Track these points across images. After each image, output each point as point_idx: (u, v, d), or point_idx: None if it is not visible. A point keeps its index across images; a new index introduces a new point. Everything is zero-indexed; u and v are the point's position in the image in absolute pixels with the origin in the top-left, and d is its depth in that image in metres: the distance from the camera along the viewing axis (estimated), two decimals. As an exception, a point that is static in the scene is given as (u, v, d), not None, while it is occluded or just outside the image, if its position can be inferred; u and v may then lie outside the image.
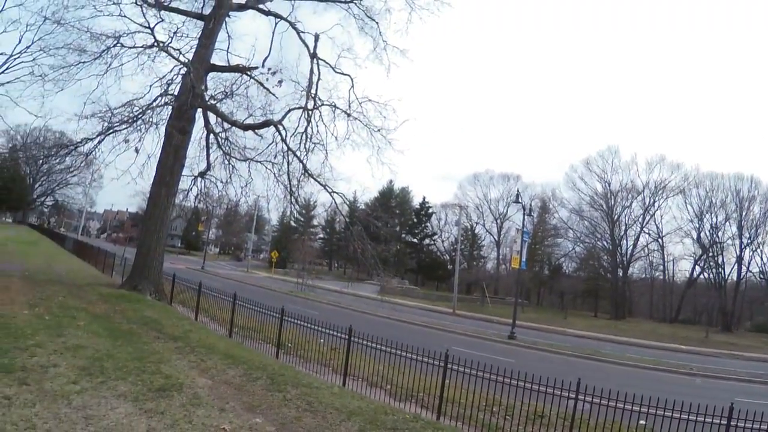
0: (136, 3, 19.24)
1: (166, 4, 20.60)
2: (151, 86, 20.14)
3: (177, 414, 6.52)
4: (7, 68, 33.55)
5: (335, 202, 21.15)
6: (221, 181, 22.01)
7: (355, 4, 21.87)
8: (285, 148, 20.38)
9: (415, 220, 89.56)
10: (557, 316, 58.05)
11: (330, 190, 20.17)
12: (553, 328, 39.81)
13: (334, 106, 20.66)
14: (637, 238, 76.90)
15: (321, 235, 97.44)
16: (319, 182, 20.27)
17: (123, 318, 12.93)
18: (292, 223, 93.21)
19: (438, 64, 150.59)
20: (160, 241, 19.94)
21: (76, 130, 19.57)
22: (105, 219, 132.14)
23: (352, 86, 20.93)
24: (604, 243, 77.93)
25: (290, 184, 20.55)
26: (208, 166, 21.89)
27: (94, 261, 30.69)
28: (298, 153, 20.39)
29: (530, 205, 42.95)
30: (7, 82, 32.64)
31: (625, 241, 76.82)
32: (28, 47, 32.44)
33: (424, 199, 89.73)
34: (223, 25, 21.42)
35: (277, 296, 31.16)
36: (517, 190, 44.43)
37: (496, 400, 9.35)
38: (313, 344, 12.58)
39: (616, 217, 75.98)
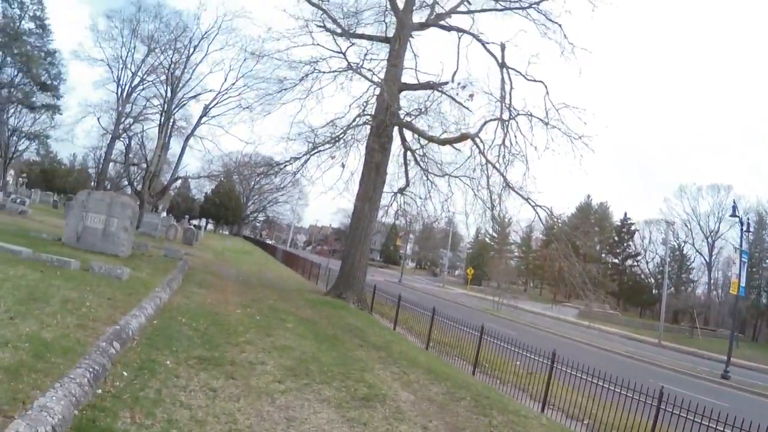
0: (326, 29, 20.64)
1: (351, 32, 21.67)
2: (350, 106, 21.46)
3: (380, 427, 6.15)
4: (217, 103, 39.96)
5: (539, 217, 19.68)
6: (420, 197, 22.37)
7: (534, 8, 20.80)
8: (483, 161, 19.72)
9: (616, 238, 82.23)
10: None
11: (533, 204, 18.81)
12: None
13: (530, 114, 19.56)
14: None
15: (516, 253, 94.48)
16: (521, 195, 19.12)
17: (328, 323, 13.31)
18: (487, 240, 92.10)
19: (628, 62, 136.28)
20: (363, 254, 20.67)
21: (284, 150, 21.56)
22: (310, 233, 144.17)
23: (547, 93, 19.90)
24: (840, 266, 63.53)
25: (491, 198, 19.83)
26: (407, 182, 22.32)
27: (301, 270, 33.23)
28: (497, 166, 19.63)
29: (746, 219, 36.17)
30: (218, 115, 39.06)
31: None
32: (233, 84, 38.54)
33: (625, 215, 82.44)
34: (408, 44, 21.83)
35: (472, 313, 30.54)
36: (733, 202, 37.83)
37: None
38: (509, 365, 11.82)
39: None
